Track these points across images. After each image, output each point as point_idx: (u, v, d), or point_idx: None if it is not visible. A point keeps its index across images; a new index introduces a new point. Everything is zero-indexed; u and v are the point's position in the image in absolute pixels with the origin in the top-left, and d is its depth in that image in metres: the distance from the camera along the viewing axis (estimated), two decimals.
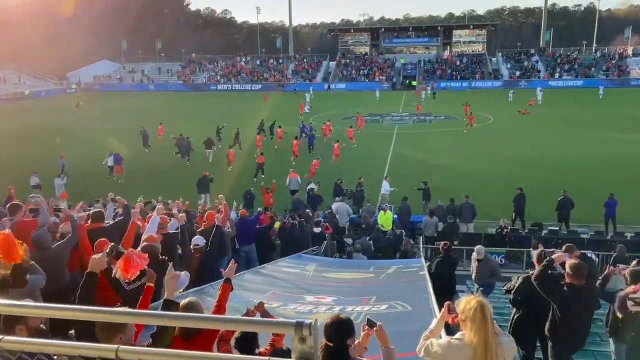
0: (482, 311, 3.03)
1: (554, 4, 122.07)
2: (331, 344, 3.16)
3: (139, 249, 5.95)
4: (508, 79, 68.26)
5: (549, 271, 5.81)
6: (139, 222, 7.49)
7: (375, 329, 3.26)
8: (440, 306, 3.94)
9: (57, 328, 4.39)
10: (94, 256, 4.29)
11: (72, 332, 4.48)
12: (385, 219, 15.82)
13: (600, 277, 6.55)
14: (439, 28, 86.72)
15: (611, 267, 7.51)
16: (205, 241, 7.49)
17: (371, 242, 14.24)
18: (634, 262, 7.36)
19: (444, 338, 3.30)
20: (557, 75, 68.27)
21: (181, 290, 5.73)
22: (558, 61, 71.94)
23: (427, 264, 10.03)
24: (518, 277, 6.88)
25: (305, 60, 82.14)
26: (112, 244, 5.69)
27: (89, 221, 7.41)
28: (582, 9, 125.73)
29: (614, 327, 6.30)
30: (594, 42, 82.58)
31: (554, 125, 36.35)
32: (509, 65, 73.00)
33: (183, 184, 22.05)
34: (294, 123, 35.26)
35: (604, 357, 6.82)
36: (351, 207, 18.01)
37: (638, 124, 35.52)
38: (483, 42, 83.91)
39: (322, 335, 3.18)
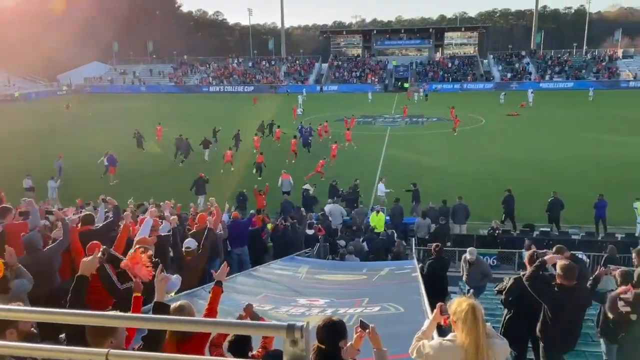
0: (474, 313, 3.04)
1: (544, 7, 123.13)
2: (323, 347, 3.16)
3: (131, 251, 5.93)
4: (499, 81, 68.62)
5: (541, 272, 5.85)
6: (130, 226, 7.46)
7: (367, 331, 3.26)
8: (433, 307, 3.95)
9: (47, 332, 4.35)
10: (85, 259, 4.26)
11: (62, 336, 4.44)
12: (378, 221, 15.84)
13: (591, 278, 6.60)
14: (430, 30, 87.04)
15: (602, 268, 7.57)
16: (196, 244, 7.46)
17: (364, 243, 14.25)
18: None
19: (436, 339, 3.31)
20: (547, 77, 68.71)
21: (173, 293, 5.71)
22: (549, 63, 72.44)
23: (419, 265, 10.05)
24: (510, 278, 6.92)
25: (297, 62, 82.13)
26: (104, 247, 5.66)
27: (79, 224, 7.37)
28: (573, 11, 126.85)
29: (605, 327, 6.34)
30: (585, 44, 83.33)
31: (544, 127, 36.59)
32: (500, 67, 73.40)
33: (180, 185, 22.12)
34: (288, 125, 35.22)
35: (595, 358, 6.86)
36: (344, 209, 18.04)
37: (627, 126, 35.89)
38: (474, 44, 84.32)
39: (314, 338, 3.17)
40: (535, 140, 32.12)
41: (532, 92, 50.68)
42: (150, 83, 76.74)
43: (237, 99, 61.98)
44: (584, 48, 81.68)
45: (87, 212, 8.28)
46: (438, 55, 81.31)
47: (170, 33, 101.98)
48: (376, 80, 72.25)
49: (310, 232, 13.90)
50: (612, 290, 6.39)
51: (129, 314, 3.54)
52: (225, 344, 3.89)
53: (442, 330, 3.83)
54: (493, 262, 14.73)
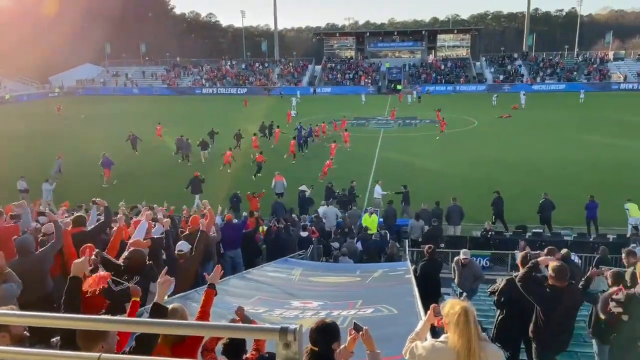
0: (466, 316, 3.05)
1: (536, 9, 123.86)
2: (316, 349, 3.15)
3: (125, 253, 5.92)
4: (492, 83, 68.94)
5: (533, 273, 5.87)
6: (124, 228, 7.44)
7: (361, 333, 3.26)
8: (426, 309, 3.96)
9: (39, 335, 4.32)
10: (76, 260, 4.23)
11: (54, 339, 4.41)
12: (371, 222, 15.85)
13: (583, 279, 6.63)
14: (423, 32, 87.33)
15: (594, 269, 7.61)
16: (189, 246, 7.43)
17: (358, 243, 14.28)
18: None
19: (429, 340, 3.32)
20: (539, 79, 69.10)
21: (166, 296, 5.68)
22: (541, 65, 72.87)
23: (413, 267, 10.06)
24: (502, 279, 6.95)
25: (290, 64, 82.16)
26: (97, 250, 5.64)
27: (70, 226, 7.33)
28: (564, 14, 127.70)
29: (597, 328, 6.37)
30: (576, 47, 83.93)
31: (537, 129, 36.77)
32: (492, 70, 73.75)
33: (176, 187, 22.14)
34: (283, 128, 35.27)
35: (587, 358, 6.88)
36: (339, 211, 18.07)
37: (618, 127, 36.23)
38: (467, 46, 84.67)
39: (307, 340, 3.17)
40: (528, 141, 32.29)
41: (524, 94, 50.95)
42: (143, 85, 76.48)
43: (230, 101, 61.88)
44: (576, 50, 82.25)
45: (79, 214, 8.23)
46: (431, 57, 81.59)
47: (163, 35, 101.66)
48: (369, 82, 72.39)
49: (304, 234, 13.90)
50: (604, 290, 6.43)
51: (119, 317, 3.51)
52: (220, 347, 3.87)
53: (436, 332, 3.84)
54: (486, 263, 14.78)
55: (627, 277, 6.18)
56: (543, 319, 5.71)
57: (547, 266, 5.97)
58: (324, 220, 16.82)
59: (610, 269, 7.03)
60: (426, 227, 15.96)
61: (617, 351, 5.80)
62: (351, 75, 75.24)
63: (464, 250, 9.93)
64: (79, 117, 47.91)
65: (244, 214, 14.40)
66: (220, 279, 4.68)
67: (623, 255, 8.35)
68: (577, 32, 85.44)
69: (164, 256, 7.57)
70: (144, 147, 31.44)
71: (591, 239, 15.64)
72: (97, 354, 1.82)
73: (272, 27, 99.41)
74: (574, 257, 10.92)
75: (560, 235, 15.99)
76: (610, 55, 74.09)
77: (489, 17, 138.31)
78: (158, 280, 3.86)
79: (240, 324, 3.73)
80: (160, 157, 30.39)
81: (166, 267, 4.38)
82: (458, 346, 3.03)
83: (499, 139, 33.67)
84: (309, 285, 8.71)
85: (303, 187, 19.63)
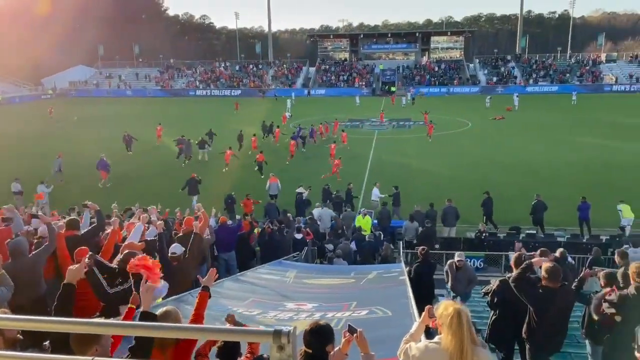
0: (459, 317, 3.05)
1: (529, 11, 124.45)
2: (310, 351, 3.15)
3: (119, 256, 5.89)
4: (485, 85, 69.24)
5: (527, 274, 5.89)
6: (118, 231, 7.40)
7: (355, 335, 3.26)
8: (420, 311, 3.96)
9: (32, 338, 4.29)
10: (71, 267, 4.20)
11: (46, 343, 4.38)
12: (364, 223, 15.85)
13: (576, 280, 6.66)
14: (417, 34, 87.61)
15: (587, 270, 7.65)
16: (182, 249, 7.39)
17: (353, 243, 14.29)
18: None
19: (422, 342, 3.32)
20: (532, 81, 69.43)
21: (160, 299, 5.66)
22: (534, 67, 73.25)
23: (407, 268, 10.05)
24: (496, 280, 6.97)
25: (284, 66, 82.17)
26: (91, 253, 5.61)
27: (64, 229, 7.28)
28: (557, 16, 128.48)
29: (590, 329, 6.40)
30: (569, 49, 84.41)
31: (530, 130, 36.96)
32: (486, 71, 74.07)
33: (172, 188, 22.30)
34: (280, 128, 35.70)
35: (581, 359, 6.91)
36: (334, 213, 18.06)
37: (610, 129, 36.49)
38: (461, 48, 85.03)
39: (301, 343, 3.16)
40: (521, 143, 32.44)
41: (517, 96, 51.20)
42: (137, 87, 76.29)
43: (224, 102, 61.78)
44: (568, 52, 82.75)
45: (73, 218, 8.19)
46: (424, 59, 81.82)
47: (157, 36, 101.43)
48: (363, 84, 72.53)
49: (298, 236, 13.88)
50: (597, 291, 6.46)
51: (112, 320, 3.49)
52: (214, 350, 3.86)
53: (430, 333, 3.84)
54: (480, 264, 14.81)
55: (619, 277, 6.22)
56: (536, 320, 5.73)
57: (541, 267, 6.00)
58: (318, 222, 16.81)
59: (603, 270, 7.07)
60: (420, 229, 15.98)
61: (611, 352, 5.82)
62: (345, 77, 75.35)
63: (458, 252, 9.87)
64: (71, 119, 47.69)
65: (237, 217, 14.38)
66: (214, 281, 4.65)
67: (616, 256, 8.41)
68: (569, 34, 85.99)
69: (157, 259, 7.54)
70: (141, 148, 31.57)
71: (584, 240, 15.73)
72: (90, 358, 1.81)
73: (266, 28, 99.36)
74: (568, 258, 10.97)
75: (554, 236, 16.06)
76: (603, 57, 74.58)
77: (482, 19, 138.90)
78: (141, 288, 3.81)
79: (235, 327, 3.72)
80: (157, 158, 30.49)
81: (146, 274, 4.34)
82: (450, 347, 3.03)
83: (492, 140, 33.81)
84: (303, 287, 8.70)
85: (300, 190, 19.61)
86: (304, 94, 68.82)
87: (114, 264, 5.91)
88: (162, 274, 4.27)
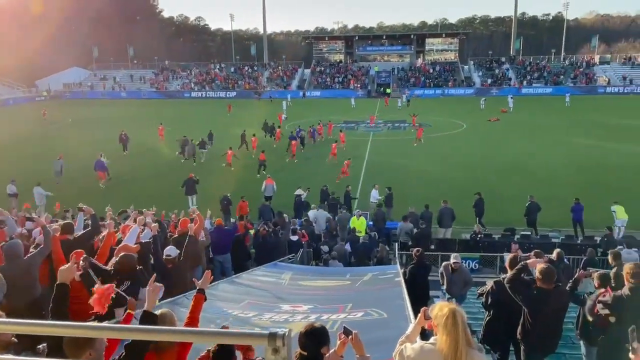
0: (454, 318, 3.05)
1: (523, 13, 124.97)
2: (305, 353, 3.15)
3: (115, 259, 5.87)
4: (480, 87, 69.45)
5: (522, 275, 5.91)
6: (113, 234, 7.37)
7: (350, 337, 3.25)
8: (415, 313, 3.96)
9: (26, 342, 4.26)
10: (62, 267, 4.18)
11: (40, 346, 4.35)
12: (359, 224, 15.86)
13: (570, 281, 6.68)
14: (412, 36, 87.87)
15: (581, 271, 7.67)
16: (177, 251, 7.37)
17: (347, 245, 14.30)
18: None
19: (418, 343, 3.31)
20: (526, 82, 69.67)
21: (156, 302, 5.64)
22: (528, 69, 73.53)
23: (402, 270, 10.04)
24: (491, 281, 6.99)
25: (280, 67, 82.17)
26: (85, 255, 5.59)
27: (59, 232, 7.26)
28: (551, 18, 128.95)
29: (585, 330, 6.42)
30: (563, 51, 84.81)
31: (524, 132, 37.11)
32: (480, 73, 74.30)
33: (170, 189, 22.43)
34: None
35: None
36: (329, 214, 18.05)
37: (603, 130, 36.70)
38: (455, 50, 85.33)
39: (296, 345, 3.16)
40: (516, 145, 32.56)
41: (512, 98, 51.41)
42: (131, 89, 76.06)
43: (219, 104, 61.68)
44: (562, 54, 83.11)
45: (67, 222, 8.16)
46: (419, 61, 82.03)
47: (151, 38, 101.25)
48: (358, 86, 72.60)
49: (294, 237, 13.87)
50: (591, 292, 6.48)
51: (106, 324, 3.48)
52: (210, 355, 3.84)
53: (426, 335, 3.84)
54: (475, 265, 14.86)
55: (612, 277, 6.25)
56: (530, 321, 5.75)
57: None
58: (314, 224, 16.80)
59: (598, 271, 7.10)
60: (415, 230, 15.99)
61: (605, 353, 5.84)
62: (340, 79, 75.42)
63: (454, 254, 9.83)
64: (66, 121, 47.51)
65: (232, 220, 14.35)
66: (210, 283, 4.64)
67: (609, 257, 8.45)
68: (563, 36, 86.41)
69: (152, 261, 7.52)
70: (136, 149, 31.66)
71: (579, 241, 15.79)
72: None
73: (261, 30, 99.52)
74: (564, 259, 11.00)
75: (549, 237, 16.13)
76: (596, 59, 75.00)
77: (477, 21, 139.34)
78: (147, 287, 3.81)
79: (229, 330, 3.71)
80: (152, 159, 30.60)
81: (155, 274, 4.34)
82: (445, 348, 3.03)
83: (487, 142, 33.91)
84: (298, 289, 8.69)
85: (299, 191, 19.60)
86: (299, 96, 68.85)
87: (109, 267, 5.89)
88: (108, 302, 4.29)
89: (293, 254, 13.25)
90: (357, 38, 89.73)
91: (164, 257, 7.24)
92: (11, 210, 13.34)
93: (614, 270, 7.32)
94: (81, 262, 5.25)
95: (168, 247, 7.52)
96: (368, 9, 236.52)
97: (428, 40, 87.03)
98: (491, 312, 6.78)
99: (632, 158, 27.57)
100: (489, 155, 29.69)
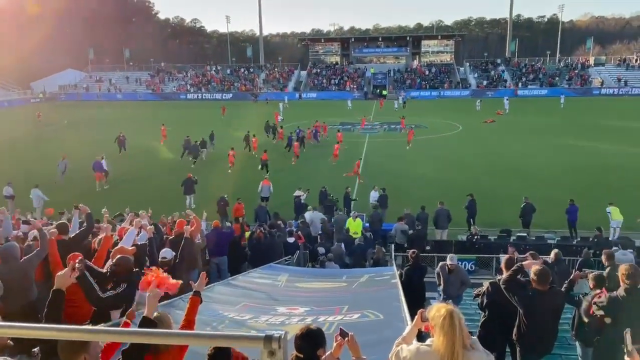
0: (451, 319, 3.05)
1: (518, 15, 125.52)
2: (302, 355, 3.14)
3: (111, 261, 5.84)
4: (476, 88, 69.65)
5: (518, 276, 5.92)
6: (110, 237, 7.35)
7: (347, 339, 3.25)
8: (412, 314, 3.95)
9: (21, 345, 4.24)
10: (59, 273, 4.15)
11: (35, 349, 4.33)
12: (355, 226, 15.85)
13: (566, 282, 6.70)
14: (408, 38, 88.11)
15: (577, 272, 7.70)
16: (173, 254, 7.35)
17: (342, 245, 14.30)
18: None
19: (414, 344, 3.31)
20: (521, 84, 69.89)
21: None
22: (523, 71, 73.79)
23: (398, 272, 10.03)
24: (487, 283, 7.00)
25: (276, 69, 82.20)
26: (80, 257, 5.56)
27: (56, 235, 7.22)
28: (546, 20, 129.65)
29: (580, 330, 6.44)
30: (558, 52, 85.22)
31: (520, 134, 37.24)
32: (476, 75, 74.51)
33: (168, 189, 22.61)
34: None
35: None
36: (325, 216, 18.05)
37: (597, 132, 36.96)
38: (451, 52, 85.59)
39: (292, 347, 3.15)
40: (512, 146, 32.66)
41: (507, 100, 51.57)
42: (127, 91, 75.92)
43: (216, 106, 61.61)
44: (557, 56, 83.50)
45: (62, 222, 8.13)
46: (415, 62, 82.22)
47: (147, 40, 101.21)
48: (355, 87, 72.71)
49: (291, 239, 13.85)
50: (586, 293, 6.49)
51: (101, 327, 3.46)
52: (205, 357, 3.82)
53: (422, 337, 3.84)
54: (471, 267, 14.87)
55: (605, 276, 6.28)
56: (526, 322, 5.76)
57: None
58: (310, 225, 16.79)
59: (593, 272, 7.11)
60: (410, 231, 16.00)
61: (601, 354, 5.85)
62: (336, 81, 75.50)
63: (450, 255, 9.76)
64: (62, 123, 47.38)
65: (228, 224, 14.32)
66: (206, 286, 4.63)
67: (603, 257, 8.49)
68: (558, 38, 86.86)
69: (147, 263, 7.50)
70: (132, 151, 31.68)
71: (574, 242, 15.83)
72: None
73: (257, 32, 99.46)
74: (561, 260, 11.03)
75: (544, 238, 16.16)
76: (591, 60, 75.33)
77: (472, 23, 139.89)
78: (147, 293, 3.79)
79: (225, 333, 3.69)
80: (148, 161, 30.65)
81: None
82: (442, 349, 3.02)
83: (483, 143, 33.99)
84: (295, 291, 8.67)
85: (298, 193, 19.59)
86: (295, 98, 68.89)
87: (105, 269, 5.87)
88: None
89: (289, 256, 13.23)
90: (353, 40, 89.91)
91: (159, 259, 7.22)
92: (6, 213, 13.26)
93: (607, 270, 7.34)
94: (77, 264, 5.22)
95: (163, 250, 7.50)
96: (364, 11, 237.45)
97: (424, 42, 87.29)
98: (487, 313, 6.79)
99: (628, 159, 27.72)
100: (485, 156, 29.76)
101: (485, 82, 71.41)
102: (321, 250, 14.43)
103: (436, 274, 9.86)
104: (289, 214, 18.80)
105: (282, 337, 1.81)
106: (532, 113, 48.84)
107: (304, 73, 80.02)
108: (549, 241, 15.73)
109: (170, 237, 9.72)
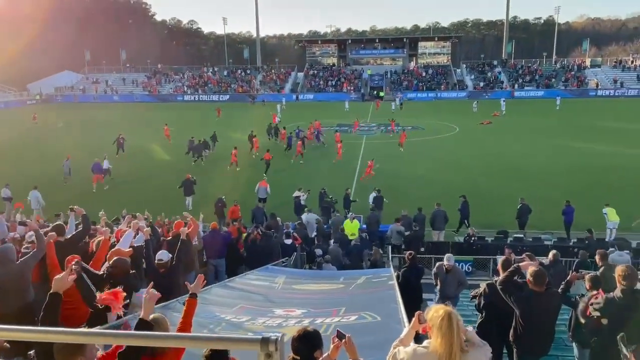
0: (449, 320, 3.05)
1: (515, 17, 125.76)
2: (298, 357, 3.13)
3: (108, 263, 5.83)
4: (472, 90, 69.77)
5: (514, 277, 5.93)
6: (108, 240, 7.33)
7: (344, 340, 3.24)
8: (409, 316, 3.95)
9: (17, 348, 4.22)
10: (57, 276, 4.13)
11: (31, 352, 4.32)
12: (352, 227, 15.85)
13: (563, 282, 6.71)
14: (404, 40, 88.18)
15: (573, 273, 7.71)
16: (169, 256, 7.33)
17: (337, 244, 14.30)
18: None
19: (411, 346, 3.31)
20: (517, 85, 70.05)
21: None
22: (520, 72, 73.96)
23: (396, 273, 10.02)
24: (484, 284, 7.00)
25: (273, 71, 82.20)
26: (76, 260, 5.54)
27: (54, 238, 7.19)
28: (542, 21, 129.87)
29: (577, 332, 6.44)
30: (554, 54, 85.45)
31: (516, 135, 37.31)
32: (472, 77, 74.66)
33: (166, 190, 22.62)
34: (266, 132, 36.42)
35: None
36: (321, 217, 18.03)
37: (593, 133, 37.09)
38: (448, 53, 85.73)
39: (289, 349, 3.14)
40: (508, 147, 32.72)
41: (504, 101, 51.68)
42: (124, 92, 75.82)
43: (212, 108, 61.50)
44: (554, 57, 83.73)
45: (58, 223, 8.10)
46: (412, 64, 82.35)
47: (144, 42, 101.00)
48: (351, 89, 72.75)
49: (288, 241, 13.84)
50: (583, 294, 6.50)
51: (97, 329, 3.44)
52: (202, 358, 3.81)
53: (420, 339, 3.84)
54: (468, 268, 14.88)
55: (599, 275, 6.29)
56: (522, 324, 5.76)
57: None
58: (307, 227, 16.77)
59: (589, 273, 7.13)
60: (406, 233, 15.99)
61: (598, 355, 5.86)
62: (333, 82, 75.55)
63: (447, 255, 9.71)
64: (58, 124, 47.27)
65: (224, 228, 14.29)
66: (203, 287, 4.61)
67: (597, 257, 8.52)
68: (554, 40, 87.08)
69: (144, 265, 7.48)
70: (128, 152, 31.63)
71: (571, 243, 15.85)
72: None
73: (254, 34, 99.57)
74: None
75: (541, 239, 16.19)
76: (587, 62, 75.56)
77: (469, 24, 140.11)
78: (144, 295, 3.77)
79: (222, 335, 3.68)
80: (145, 162, 30.66)
81: (152, 282, 4.30)
82: (440, 350, 3.02)
83: (480, 145, 34.05)
84: (292, 293, 8.66)
85: (297, 193, 19.57)
86: (292, 99, 68.91)
87: (101, 271, 5.85)
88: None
89: (286, 258, 13.21)
90: (350, 41, 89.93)
91: (155, 261, 7.20)
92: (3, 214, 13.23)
93: (601, 270, 7.35)
94: (73, 265, 5.21)
95: (160, 252, 7.47)
96: (361, 13, 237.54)
97: (421, 44, 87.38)
98: (484, 314, 6.80)
99: (624, 160, 27.81)
100: (482, 157, 29.82)
101: (482, 84, 71.56)
102: (318, 251, 14.42)
103: (433, 274, 9.82)
104: (289, 214, 18.80)
105: (279, 339, 1.80)
106: (529, 114, 48.97)
107: (301, 75, 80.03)
108: (546, 242, 15.76)
109: (167, 239, 9.71)
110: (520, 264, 6.07)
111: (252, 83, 76.64)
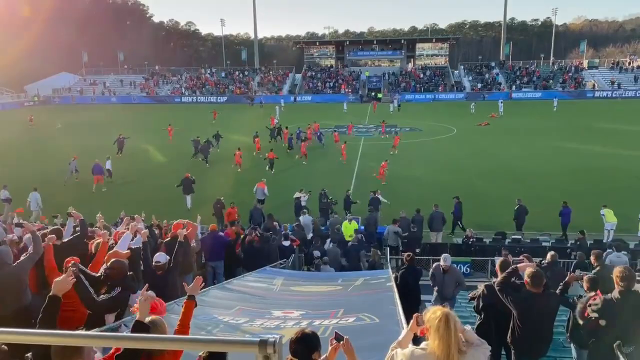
0: (447, 321, 3.05)
1: (512, 18, 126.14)
2: (296, 359, 3.13)
3: (106, 265, 5.82)
4: (470, 91, 69.86)
5: (513, 279, 5.93)
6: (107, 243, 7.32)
7: (342, 342, 3.24)
8: (407, 317, 3.95)
9: (14, 350, 4.20)
10: (57, 279, 4.12)
11: (28, 354, 4.30)
12: (350, 229, 15.83)
13: (561, 284, 6.72)
14: (402, 41, 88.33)
15: (571, 274, 7.73)
16: (167, 258, 7.31)
17: (335, 245, 14.30)
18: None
19: (409, 348, 3.31)
20: (514, 87, 70.13)
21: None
22: (517, 74, 74.09)
23: (394, 274, 10.01)
24: (482, 285, 7.01)
25: (271, 72, 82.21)
26: (74, 262, 5.53)
27: (53, 241, 7.17)
28: (539, 23, 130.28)
29: (575, 333, 6.45)
30: (552, 55, 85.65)
31: (514, 136, 37.37)
32: (470, 78, 74.76)
33: (166, 191, 22.70)
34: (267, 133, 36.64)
35: None
36: (318, 219, 18.01)
37: (590, 134, 37.22)
38: (445, 55, 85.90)
39: (287, 351, 3.14)
40: (506, 149, 32.77)
41: (501, 102, 51.75)
42: (121, 94, 75.75)
43: (210, 109, 61.45)
44: (551, 59, 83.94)
45: (56, 227, 8.09)
46: (410, 66, 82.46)
47: (142, 43, 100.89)
48: (349, 90, 72.80)
49: (286, 243, 13.83)
50: (581, 295, 6.51)
51: (95, 332, 3.44)
52: None
53: (418, 341, 3.84)
54: (467, 270, 14.87)
55: (593, 274, 6.30)
56: (520, 325, 5.77)
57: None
58: (305, 229, 16.75)
59: (587, 274, 7.14)
60: (404, 234, 15.97)
61: (596, 356, 5.86)
62: (331, 84, 75.59)
63: (444, 255, 9.67)
64: (55, 126, 47.17)
65: (221, 233, 14.28)
66: (201, 289, 4.60)
67: (592, 257, 8.52)
68: (552, 41, 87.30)
69: (141, 267, 7.46)
70: (126, 153, 31.59)
71: (568, 245, 15.86)
72: None
73: (252, 35, 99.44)
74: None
75: (539, 241, 16.20)
76: (585, 63, 75.71)
77: (467, 26, 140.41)
78: (139, 297, 3.76)
79: (220, 337, 3.67)
80: (144, 163, 30.69)
81: (147, 284, 4.30)
82: (437, 352, 3.02)
83: (477, 146, 34.08)
84: (290, 295, 8.65)
85: (298, 194, 19.55)
86: (290, 101, 68.92)
87: (99, 273, 5.84)
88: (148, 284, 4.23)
89: (284, 259, 13.20)
90: (347, 43, 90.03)
91: (153, 263, 7.19)
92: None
93: (596, 270, 7.35)
94: (71, 267, 5.20)
95: (157, 254, 7.46)
96: (358, 14, 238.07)
97: (418, 45, 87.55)
98: (482, 315, 6.81)
99: (621, 161, 27.87)
100: (479, 159, 29.85)
101: (479, 85, 71.66)
102: (316, 253, 14.40)
103: (431, 275, 9.76)
104: (290, 215, 18.78)
105: (277, 341, 1.80)
106: (526, 116, 49.05)
107: (298, 76, 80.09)
108: (544, 244, 15.77)
109: (165, 240, 9.69)
110: (518, 265, 6.07)
111: (250, 85, 76.64)
